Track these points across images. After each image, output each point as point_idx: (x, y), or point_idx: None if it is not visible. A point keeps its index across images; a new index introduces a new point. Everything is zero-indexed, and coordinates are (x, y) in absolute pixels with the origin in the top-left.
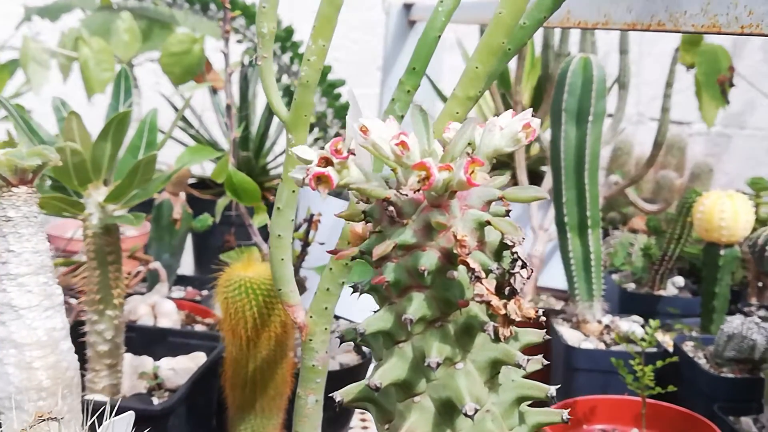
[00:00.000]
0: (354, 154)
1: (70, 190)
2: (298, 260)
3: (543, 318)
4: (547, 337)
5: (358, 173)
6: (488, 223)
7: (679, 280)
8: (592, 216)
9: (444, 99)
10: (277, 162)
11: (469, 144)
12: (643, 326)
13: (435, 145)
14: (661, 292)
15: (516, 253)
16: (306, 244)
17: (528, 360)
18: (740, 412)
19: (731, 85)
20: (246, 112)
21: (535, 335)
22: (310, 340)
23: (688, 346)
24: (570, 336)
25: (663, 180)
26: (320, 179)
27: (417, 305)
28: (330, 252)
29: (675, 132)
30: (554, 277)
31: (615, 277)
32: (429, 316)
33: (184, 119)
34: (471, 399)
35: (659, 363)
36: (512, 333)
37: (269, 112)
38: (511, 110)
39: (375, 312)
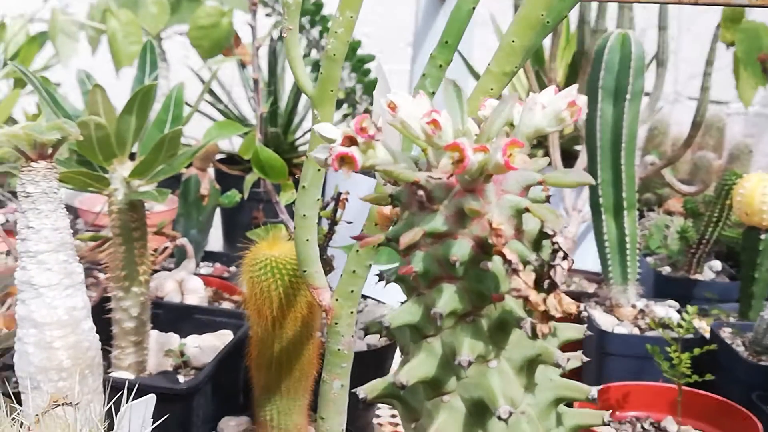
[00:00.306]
0: (381, 133)
1: (95, 165)
2: (326, 239)
3: (585, 314)
4: (589, 333)
5: (384, 154)
6: (527, 210)
7: (717, 264)
8: (628, 197)
9: (476, 76)
10: (305, 138)
11: (507, 124)
12: (678, 311)
13: (469, 123)
14: (698, 277)
15: (557, 243)
16: (333, 223)
17: (568, 359)
18: None
19: None
20: (274, 87)
21: (575, 331)
22: (336, 323)
23: (725, 333)
24: (603, 320)
25: (700, 161)
26: (343, 160)
27: (447, 298)
28: (355, 238)
29: (713, 112)
30: (587, 259)
31: (650, 260)
32: (460, 310)
33: (212, 94)
34: (505, 401)
35: (696, 351)
36: (551, 329)
37: (298, 87)
38: (553, 87)
39: (402, 303)
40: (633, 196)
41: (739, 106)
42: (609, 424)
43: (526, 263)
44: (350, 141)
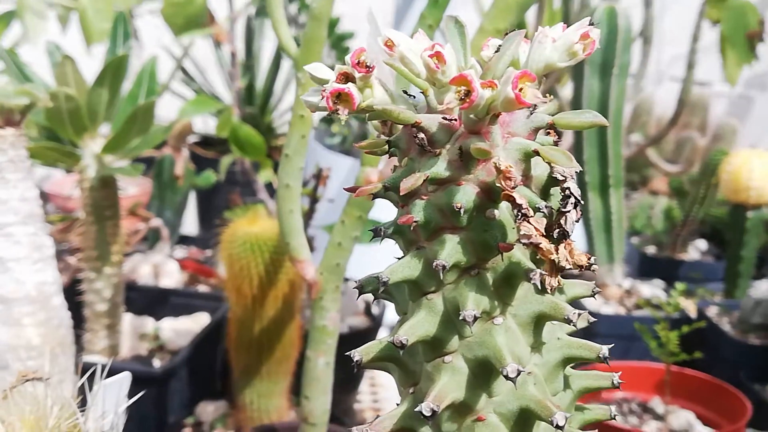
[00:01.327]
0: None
1: (65, 140)
2: (306, 218)
3: (595, 267)
4: (597, 289)
5: (382, 93)
6: (536, 153)
7: (702, 244)
8: (614, 175)
9: None
10: (283, 120)
11: (512, 63)
12: (665, 290)
13: (472, 62)
14: (683, 256)
15: (568, 188)
16: (314, 200)
17: (579, 314)
18: (767, 380)
19: (761, 40)
20: (251, 66)
21: (584, 288)
22: (321, 298)
23: (712, 312)
24: (589, 301)
25: (685, 140)
26: (339, 97)
27: (450, 249)
28: (348, 189)
29: (696, 92)
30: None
31: (635, 240)
32: (464, 263)
33: (185, 73)
34: (512, 359)
35: (685, 328)
36: (560, 283)
37: (275, 67)
38: (561, 23)
39: (400, 258)
40: (620, 173)
41: (723, 88)
42: (618, 387)
43: (536, 210)
44: (346, 78)
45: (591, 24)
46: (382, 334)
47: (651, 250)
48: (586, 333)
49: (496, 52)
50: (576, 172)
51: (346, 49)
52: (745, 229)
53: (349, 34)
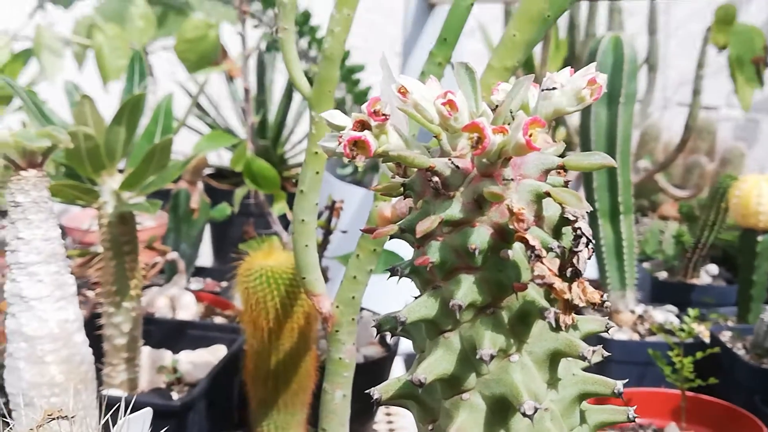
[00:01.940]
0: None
1: (83, 177)
2: (320, 249)
3: (608, 303)
4: (611, 324)
5: (397, 139)
6: (547, 194)
7: (713, 268)
8: (624, 202)
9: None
10: (295, 151)
11: (522, 107)
12: (677, 316)
13: (484, 107)
14: (695, 281)
15: (579, 228)
16: (328, 232)
17: (593, 351)
18: None
19: (766, 65)
20: (263, 99)
21: (597, 324)
22: (337, 331)
23: (725, 337)
24: None
25: (693, 165)
26: (356, 144)
27: (466, 289)
28: (365, 230)
29: (703, 116)
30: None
31: (646, 265)
32: (480, 302)
33: (200, 108)
34: (529, 396)
35: (699, 354)
36: (574, 320)
37: (287, 100)
38: (569, 67)
39: (416, 298)
40: (629, 200)
41: (729, 112)
42: (634, 421)
43: (548, 250)
44: (362, 125)
45: (597, 69)
46: (397, 364)
47: (663, 275)
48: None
49: (507, 95)
50: (587, 212)
51: (357, 81)
52: (756, 254)
53: (360, 67)
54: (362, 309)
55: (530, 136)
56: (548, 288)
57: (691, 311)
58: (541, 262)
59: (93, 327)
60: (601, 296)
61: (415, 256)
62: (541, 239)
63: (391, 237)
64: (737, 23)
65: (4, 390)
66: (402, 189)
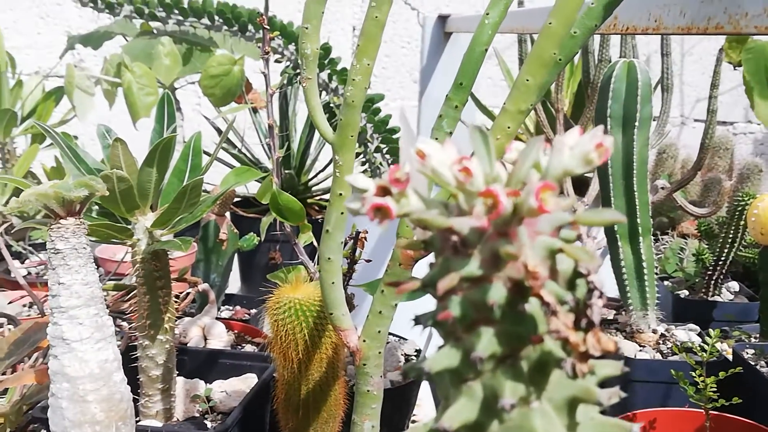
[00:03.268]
0: (409, 181)
1: (117, 216)
2: (345, 278)
3: (622, 351)
4: (626, 369)
5: (416, 201)
6: (560, 250)
7: (734, 285)
8: (642, 223)
9: (484, 110)
10: (318, 179)
11: (534, 166)
12: (699, 335)
13: (498, 170)
14: (716, 298)
15: (592, 282)
16: (353, 262)
17: (609, 397)
18: None
19: None
20: (287, 131)
21: (613, 368)
22: (364, 364)
23: (748, 354)
24: (625, 347)
25: (711, 182)
26: (379, 210)
27: (486, 342)
28: (389, 284)
29: (720, 133)
30: (604, 285)
31: (667, 283)
32: (499, 353)
33: (226, 139)
34: None
35: (722, 374)
36: (590, 368)
37: (310, 129)
38: (577, 127)
39: (440, 348)
40: (647, 221)
41: (745, 127)
42: None
43: (563, 303)
44: (384, 191)
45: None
46: (424, 389)
47: (684, 293)
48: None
49: (520, 156)
50: (598, 267)
51: (377, 110)
52: None
53: (380, 96)
54: (389, 333)
55: (542, 200)
56: (564, 341)
57: (713, 332)
58: (556, 317)
59: (128, 359)
60: (616, 344)
61: (437, 310)
62: (555, 294)
63: (413, 293)
64: (750, 40)
65: (49, 428)
66: (423, 245)
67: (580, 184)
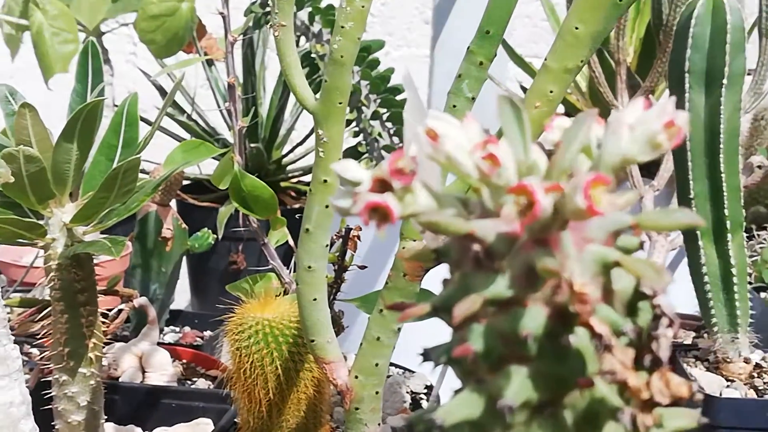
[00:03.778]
0: (415, 170)
1: (25, 207)
2: (332, 291)
3: (699, 396)
4: (704, 420)
5: (426, 198)
6: (617, 264)
7: None
8: (731, 215)
9: (519, 62)
10: (295, 154)
11: (583, 150)
12: None
13: (534, 157)
14: None
15: (659, 306)
16: (342, 269)
17: None
18: None
19: None
20: (253, 91)
21: (688, 418)
22: (357, 408)
23: None
24: (706, 381)
25: None
26: (376, 210)
27: (518, 385)
28: (390, 307)
29: None
30: (680, 299)
31: (765, 296)
32: (535, 401)
33: (172, 103)
34: None
35: None
36: (656, 420)
37: (284, 88)
38: (641, 100)
39: (457, 393)
40: (739, 212)
41: None
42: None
43: (620, 335)
44: (382, 185)
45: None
46: None
47: None
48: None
49: (564, 136)
50: (667, 285)
51: (374, 62)
52: None
53: (378, 43)
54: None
55: (591, 197)
56: (621, 386)
57: None
58: (611, 353)
59: (40, 400)
60: (690, 388)
61: (453, 343)
62: (610, 322)
63: (421, 318)
64: None
65: None
66: (434, 255)
67: (648, 164)
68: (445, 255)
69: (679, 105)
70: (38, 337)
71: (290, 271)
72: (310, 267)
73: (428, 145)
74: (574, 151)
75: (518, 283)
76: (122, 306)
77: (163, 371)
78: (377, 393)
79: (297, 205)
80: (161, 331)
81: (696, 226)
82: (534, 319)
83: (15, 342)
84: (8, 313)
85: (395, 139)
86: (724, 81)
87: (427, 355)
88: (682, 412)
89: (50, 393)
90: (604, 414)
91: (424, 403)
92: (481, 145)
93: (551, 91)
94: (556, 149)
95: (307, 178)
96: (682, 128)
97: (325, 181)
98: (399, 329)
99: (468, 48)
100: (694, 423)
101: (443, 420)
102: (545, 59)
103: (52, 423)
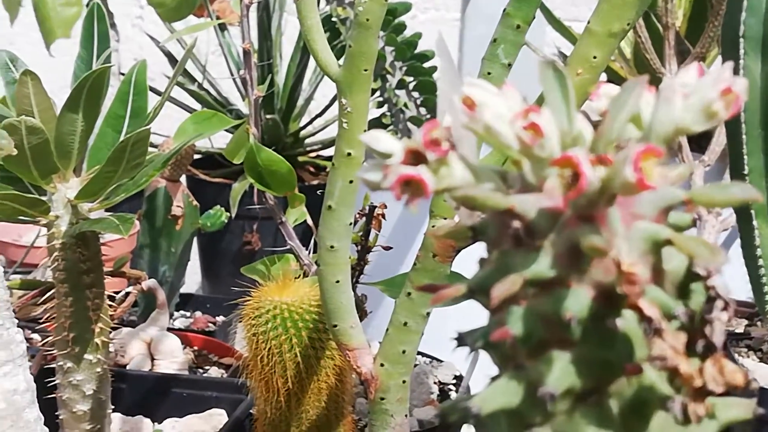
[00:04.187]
0: (452, 141)
1: (27, 182)
2: (355, 273)
3: (756, 385)
4: (761, 410)
5: (462, 171)
6: (669, 242)
7: None
8: None
9: (559, 26)
10: (314, 126)
11: (632, 119)
12: None
13: (579, 126)
14: None
15: (713, 288)
16: (366, 249)
17: None
18: None
19: None
20: (269, 58)
21: (743, 408)
22: (382, 398)
23: None
24: (760, 373)
25: None
26: (409, 184)
27: (560, 372)
28: (421, 288)
29: None
30: (732, 283)
31: None
32: (579, 388)
33: (183, 71)
34: None
35: None
36: (708, 409)
37: (302, 54)
38: (695, 64)
39: (494, 379)
40: None
41: None
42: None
43: (671, 318)
44: (416, 157)
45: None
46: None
47: None
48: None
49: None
50: (719, 267)
51: (400, 26)
52: None
53: (405, 5)
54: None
55: (642, 170)
56: (672, 372)
57: None
58: (661, 338)
59: (43, 388)
60: (746, 376)
61: (491, 326)
62: (660, 304)
63: (455, 301)
64: None
65: None
66: (471, 233)
67: (699, 136)
68: (483, 232)
69: (734, 72)
70: (41, 321)
71: (309, 252)
72: (332, 246)
73: (465, 114)
74: (623, 120)
75: (561, 263)
76: (130, 288)
77: (173, 358)
78: (404, 382)
79: (316, 182)
80: (171, 315)
81: (752, 203)
82: (578, 300)
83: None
84: (9, 296)
85: (422, 110)
86: None
87: (461, 339)
88: (736, 402)
89: (54, 381)
90: (653, 403)
91: (453, 395)
92: (522, 114)
93: (595, 57)
94: (603, 119)
95: (327, 152)
96: (740, 96)
97: (349, 154)
98: (428, 314)
99: (504, 10)
100: (749, 414)
101: (480, 408)
102: (588, 22)
103: (56, 413)
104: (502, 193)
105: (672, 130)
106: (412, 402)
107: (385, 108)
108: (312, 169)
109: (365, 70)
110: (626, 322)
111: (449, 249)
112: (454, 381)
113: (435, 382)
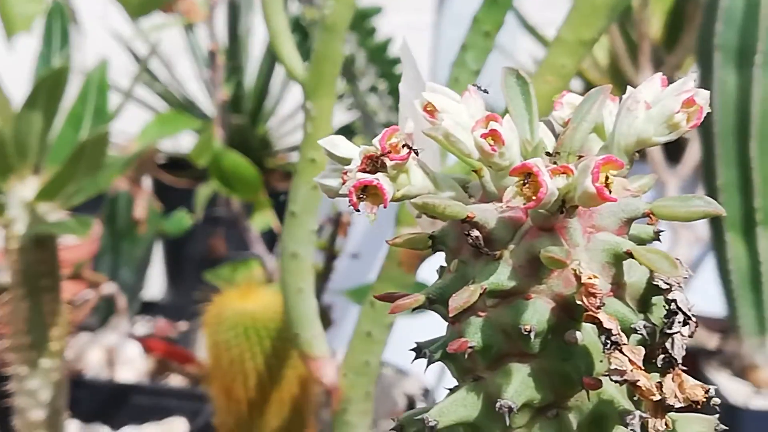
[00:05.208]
0: (412, 148)
1: None
2: (320, 281)
3: (716, 400)
4: (723, 427)
5: (422, 179)
6: (629, 255)
7: None
8: (764, 207)
9: (532, 31)
10: (283, 131)
11: (595, 130)
12: None
13: (540, 135)
14: None
15: (674, 301)
16: (332, 256)
17: None
18: None
19: None
20: (237, 58)
21: (705, 424)
22: (345, 410)
23: None
24: (732, 389)
25: None
26: (366, 191)
27: (519, 384)
28: (379, 298)
29: None
30: (705, 297)
31: None
32: (538, 401)
33: (147, 70)
34: None
35: None
36: (668, 425)
37: (270, 56)
38: (658, 76)
39: (452, 391)
40: None
41: None
42: None
43: (631, 332)
44: (374, 164)
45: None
46: None
47: None
48: None
49: (575, 113)
50: (684, 278)
51: (371, 31)
52: None
53: (375, 9)
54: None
55: (604, 182)
56: (630, 386)
57: None
58: (620, 351)
59: None
60: (706, 391)
61: (449, 337)
62: (620, 317)
63: (414, 310)
64: None
65: None
66: (430, 242)
67: (673, 147)
68: (442, 241)
69: (708, 83)
70: None
71: (275, 258)
72: (295, 254)
73: (425, 120)
74: (585, 130)
75: (521, 274)
76: (89, 293)
77: (133, 366)
78: (367, 393)
79: (284, 188)
80: (131, 322)
81: (718, 217)
82: (537, 312)
83: None
84: None
85: (394, 117)
86: (757, 59)
87: (419, 350)
88: (698, 418)
89: (8, 388)
90: (612, 417)
91: (419, 404)
92: (482, 122)
93: (564, 65)
94: (566, 128)
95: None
96: (703, 107)
97: (313, 159)
98: (392, 324)
99: (474, 17)
100: (711, 430)
101: (436, 421)
102: (559, 31)
103: (8, 419)
104: (462, 201)
105: (634, 141)
106: (378, 414)
107: (354, 112)
108: (281, 175)
109: (331, 74)
110: (586, 334)
111: (414, 258)
112: (423, 393)
113: (401, 393)
